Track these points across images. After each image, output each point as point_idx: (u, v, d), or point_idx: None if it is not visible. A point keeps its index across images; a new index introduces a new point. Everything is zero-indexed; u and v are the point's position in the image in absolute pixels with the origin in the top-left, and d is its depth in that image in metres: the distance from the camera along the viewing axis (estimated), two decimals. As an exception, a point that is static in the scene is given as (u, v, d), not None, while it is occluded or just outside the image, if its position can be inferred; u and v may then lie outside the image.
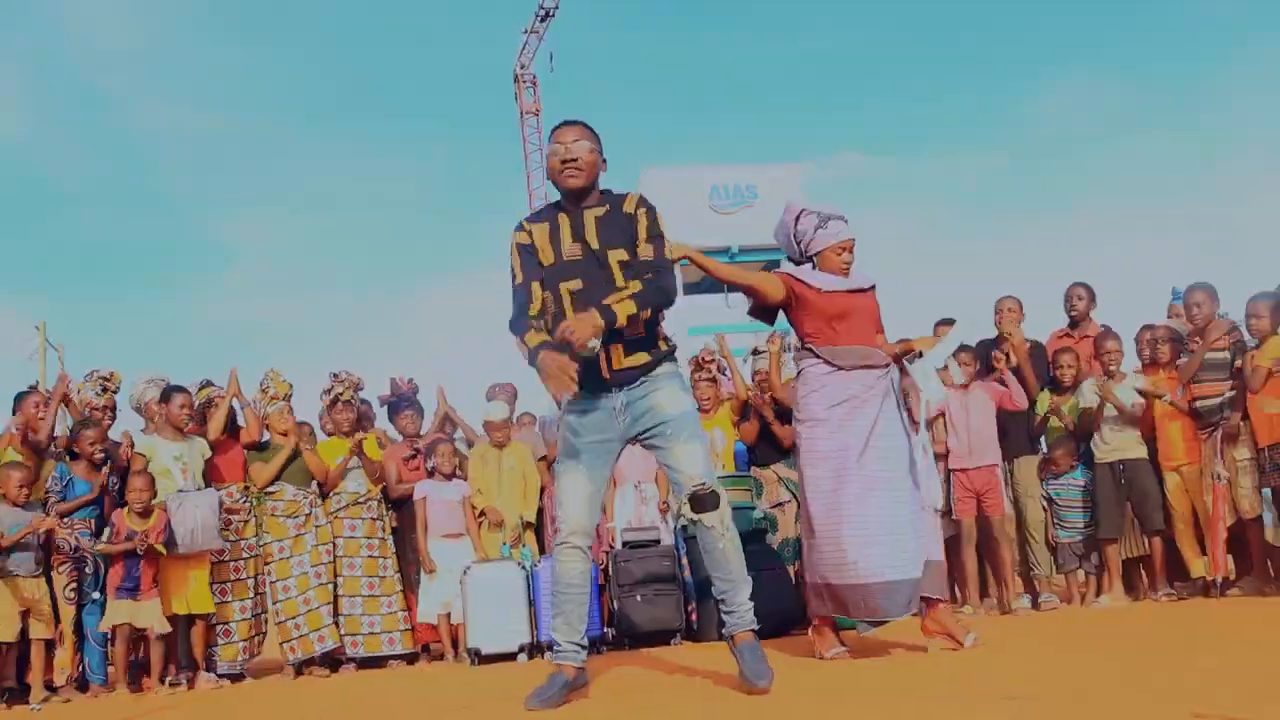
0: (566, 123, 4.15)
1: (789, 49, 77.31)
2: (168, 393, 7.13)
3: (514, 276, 4.12)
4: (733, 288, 5.16)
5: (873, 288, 5.06)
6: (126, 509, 6.63)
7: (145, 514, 6.59)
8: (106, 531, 6.56)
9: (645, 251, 4.05)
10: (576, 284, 4.02)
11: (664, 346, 4.12)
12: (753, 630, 4.03)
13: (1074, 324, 7.77)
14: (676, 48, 78.58)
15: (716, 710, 3.61)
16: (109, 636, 6.52)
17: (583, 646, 4.09)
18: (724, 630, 4.11)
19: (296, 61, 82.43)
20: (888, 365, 4.93)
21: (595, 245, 4.04)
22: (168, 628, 6.60)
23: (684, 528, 7.27)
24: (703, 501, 3.97)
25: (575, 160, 4.03)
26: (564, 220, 4.11)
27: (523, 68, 42.00)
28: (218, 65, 75.56)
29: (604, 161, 4.16)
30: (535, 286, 4.07)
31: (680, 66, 76.72)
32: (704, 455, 4.03)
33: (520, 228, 4.15)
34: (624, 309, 3.86)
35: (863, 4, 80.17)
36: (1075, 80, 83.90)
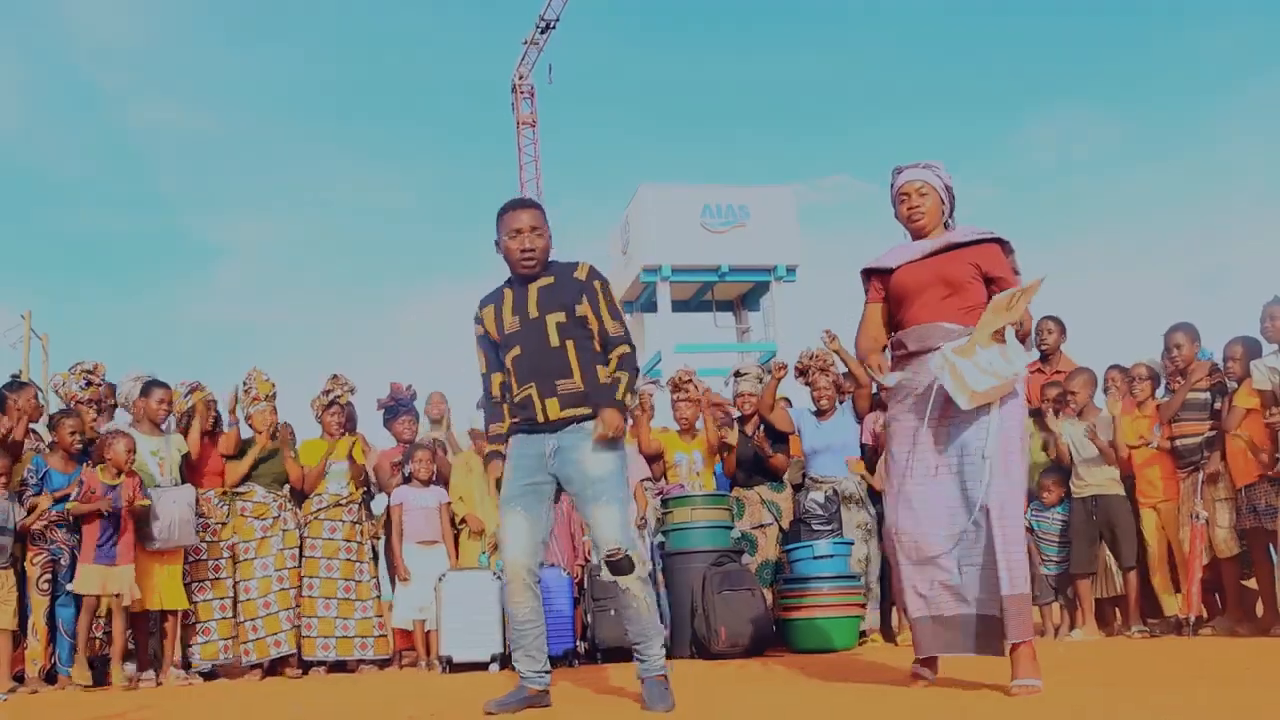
0: (522, 205, 4.38)
1: (784, 71, 77.65)
2: (147, 387, 7.12)
3: (479, 364, 4.49)
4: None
5: (960, 246, 4.14)
6: (100, 466, 6.57)
7: (118, 475, 6.55)
8: (76, 489, 6.51)
9: (613, 328, 4.31)
10: (516, 351, 4.29)
11: (607, 385, 4.26)
12: (659, 674, 4.17)
13: (1045, 357, 7.81)
14: (674, 66, 79.12)
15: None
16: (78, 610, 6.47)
17: (546, 672, 4.32)
18: (638, 673, 4.23)
19: (294, 64, 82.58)
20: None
21: (534, 314, 4.28)
22: (137, 594, 6.55)
23: (660, 544, 7.28)
24: (618, 566, 4.14)
25: (532, 251, 4.27)
26: (508, 296, 4.37)
27: (521, 78, 42.08)
28: (215, 65, 75.71)
29: (550, 242, 4.35)
30: (496, 378, 4.43)
31: (677, 84, 77.18)
32: (620, 519, 4.16)
33: (477, 319, 4.45)
34: (624, 393, 4.23)
35: (858, 31, 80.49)
36: (1065, 113, 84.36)
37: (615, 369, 4.26)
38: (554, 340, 4.23)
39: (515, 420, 4.32)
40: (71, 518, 6.52)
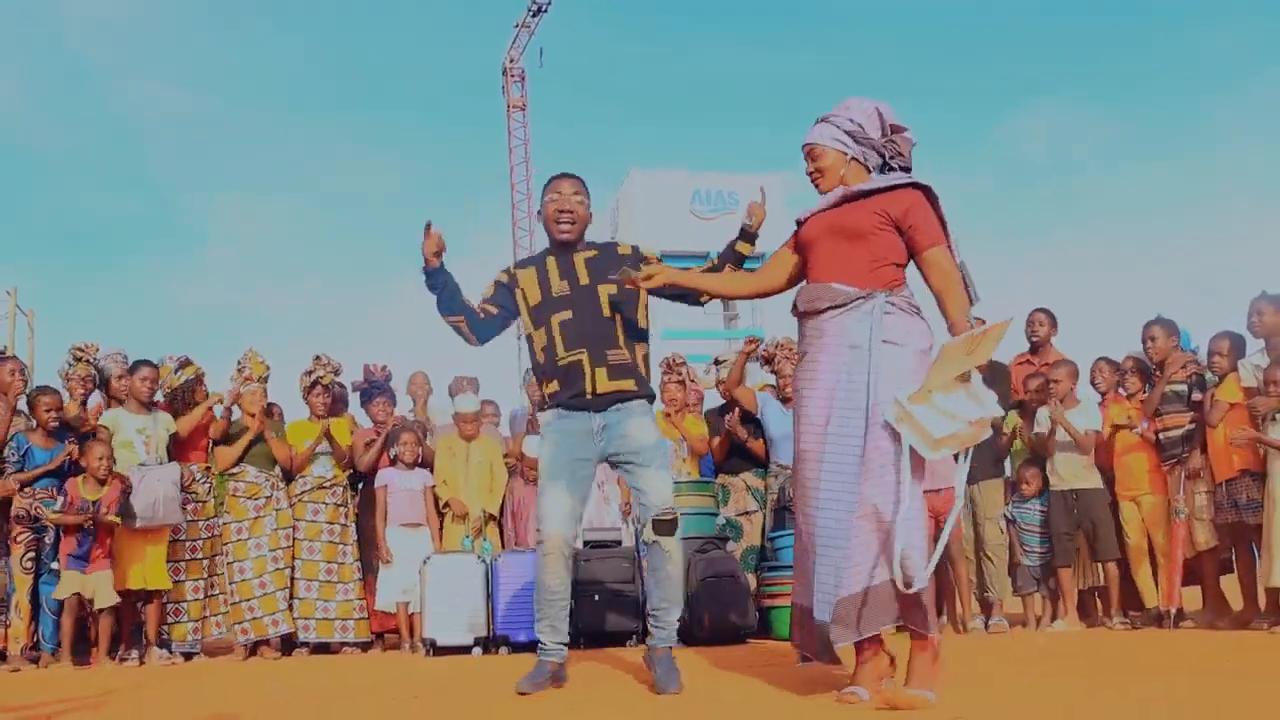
0: (565, 175, 4.55)
1: (777, 59, 77.48)
2: (135, 366, 7.10)
3: (485, 290, 4.57)
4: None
5: (865, 195, 3.77)
6: (81, 477, 6.59)
7: (101, 484, 6.57)
8: (60, 500, 6.52)
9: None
10: (566, 315, 4.40)
11: (647, 379, 4.50)
12: (670, 646, 4.37)
13: (1035, 349, 7.82)
14: (666, 51, 78.75)
15: (657, 707, 3.62)
16: (61, 606, 6.48)
17: (565, 644, 4.45)
18: (647, 640, 4.47)
19: (285, 45, 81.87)
20: (845, 304, 3.69)
21: (585, 280, 4.43)
22: (114, 599, 6.57)
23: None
24: (665, 526, 4.32)
25: (571, 213, 4.46)
26: (552, 263, 4.50)
27: (512, 61, 41.92)
28: (206, 45, 75.02)
29: (591, 215, 4.56)
30: (483, 301, 4.53)
31: (668, 70, 76.82)
32: (669, 484, 4.41)
33: (509, 272, 4.59)
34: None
35: (849, 20, 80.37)
36: (1058, 108, 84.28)
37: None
38: (606, 310, 4.41)
39: (556, 392, 4.42)
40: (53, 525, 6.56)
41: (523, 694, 4.20)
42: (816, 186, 3.90)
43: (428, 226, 4.28)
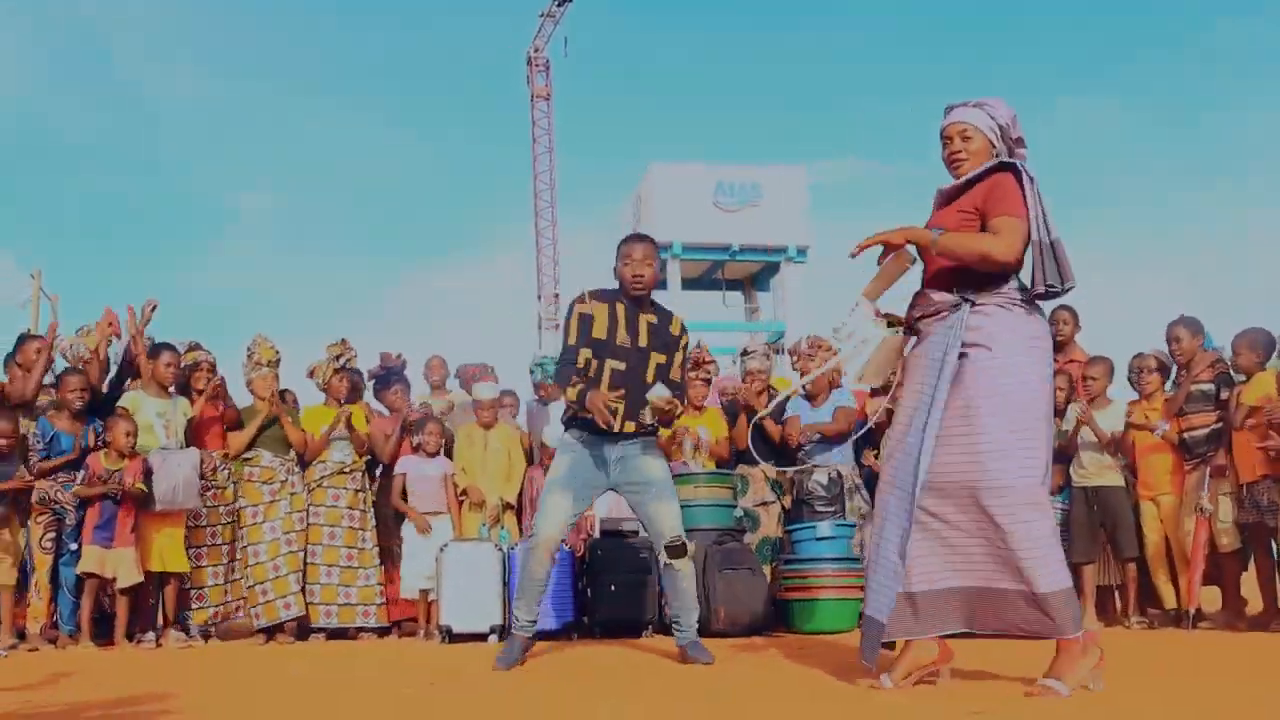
0: (638, 239, 5.17)
1: (800, 50, 77.28)
2: (156, 349, 7.13)
3: (568, 336, 5.08)
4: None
5: (966, 184, 3.72)
6: (104, 452, 6.62)
7: (123, 458, 6.60)
8: (81, 474, 6.55)
9: (677, 375, 5.14)
10: (621, 365, 5.01)
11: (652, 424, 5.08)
12: (695, 640, 5.08)
13: (1058, 348, 7.75)
14: (690, 42, 78.66)
15: (671, 696, 3.62)
16: (79, 586, 6.52)
17: (534, 622, 5.10)
18: (677, 640, 5.16)
19: (310, 31, 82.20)
20: (935, 314, 3.72)
21: (644, 343, 5.07)
22: (138, 577, 6.60)
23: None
24: (676, 551, 5.03)
25: (642, 277, 5.05)
26: (623, 313, 5.07)
27: (536, 51, 41.93)
28: (231, 30, 75.35)
29: (659, 276, 5.32)
30: (584, 352, 5.02)
31: (692, 60, 76.76)
32: (677, 514, 5.09)
33: (584, 299, 5.10)
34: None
35: (878, 11, 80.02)
36: (1084, 100, 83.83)
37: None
38: (650, 377, 5.01)
39: (587, 417, 4.86)
40: (78, 499, 6.58)
41: (500, 670, 4.79)
42: (955, 170, 3.78)
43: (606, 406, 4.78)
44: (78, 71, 75.93)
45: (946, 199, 3.79)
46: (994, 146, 3.75)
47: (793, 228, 35.21)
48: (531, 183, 41.63)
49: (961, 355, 3.57)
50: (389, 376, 8.14)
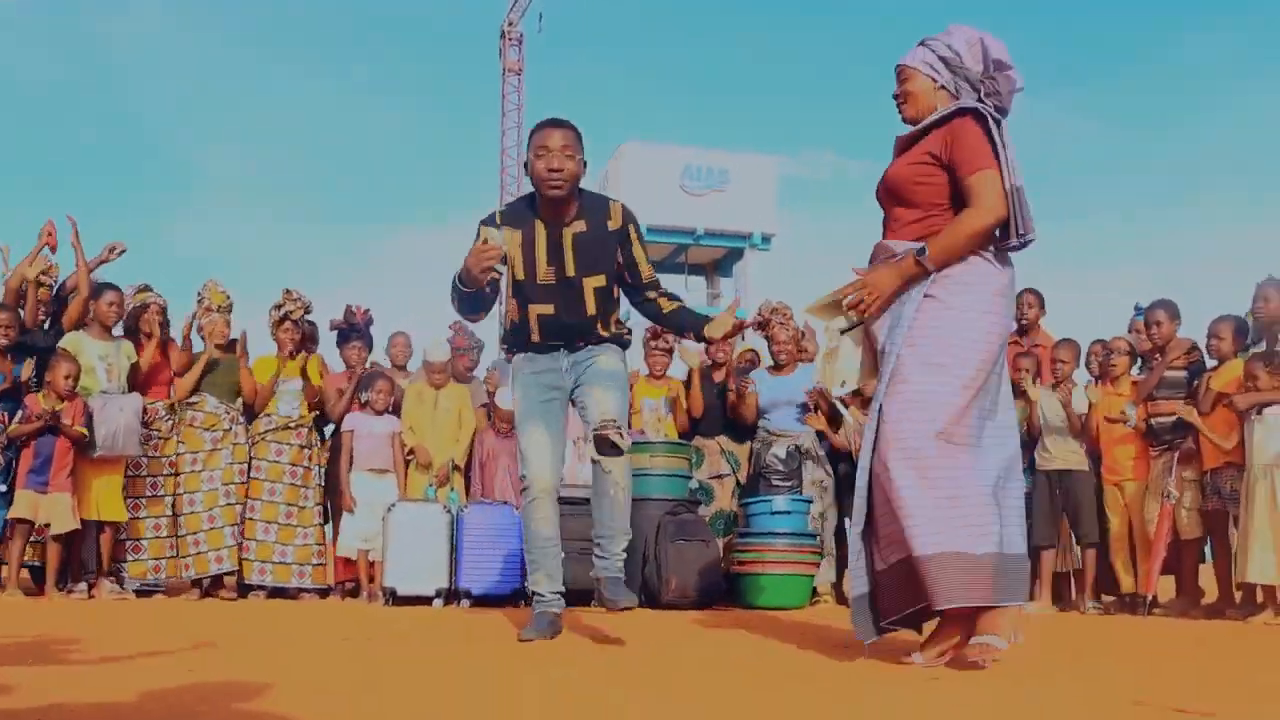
0: (554, 124, 4.08)
1: (780, 39, 77.20)
2: (100, 289, 6.87)
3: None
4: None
5: (924, 130, 3.50)
6: (42, 393, 6.39)
7: (62, 400, 6.37)
8: (19, 413, 6.32)
9: (648, 272, 4.26)
10: (548, 309, 4.14)
11: (618, 330, 4.30)
12: (620, 574, 4.21)
13: (1023, 331, 7.71)
14: (666, 21, 78.28)
15: (621, 664, 3.47)
16: (6, 532, 6.29)
17: (562, 594, 4.27)
18: (592, 572, 4.25)
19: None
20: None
21: (571, 271, 4.09)
22: (73, 524, 6.37)
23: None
24: (607, 443, 4.05)
25: (560, 171, 3.99)
26: (540, 234, 4.09)
27: (511, 24, 41.60)
28: (203, -13, 74.35)
29: (585, 164, 4.10)
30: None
31: (667, 41, 76.55)
32: (623, 403, 4.18)
33: (495, 224, 4.09)
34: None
35: (856, 10, 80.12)
36: (1056, 100, 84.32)
37: (671, 299, 4.31)
38: (590, 308, 4.15)
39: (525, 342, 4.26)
40: (8, 440, 6.33)
41: (526, 641, 4.03)
42: (900, 112, 3.57)
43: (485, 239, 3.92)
44: (40, 19, 74.52)
45: (905, 146, 3.56)
46: (936, 82, 3.49)
47: (759, 215, 35.28)
48: (499, 157, 41.33)
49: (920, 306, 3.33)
50: (350, 332, 7.90)
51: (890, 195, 3.53)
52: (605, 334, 4.24)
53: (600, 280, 4.13)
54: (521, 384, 4.27)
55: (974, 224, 3.29)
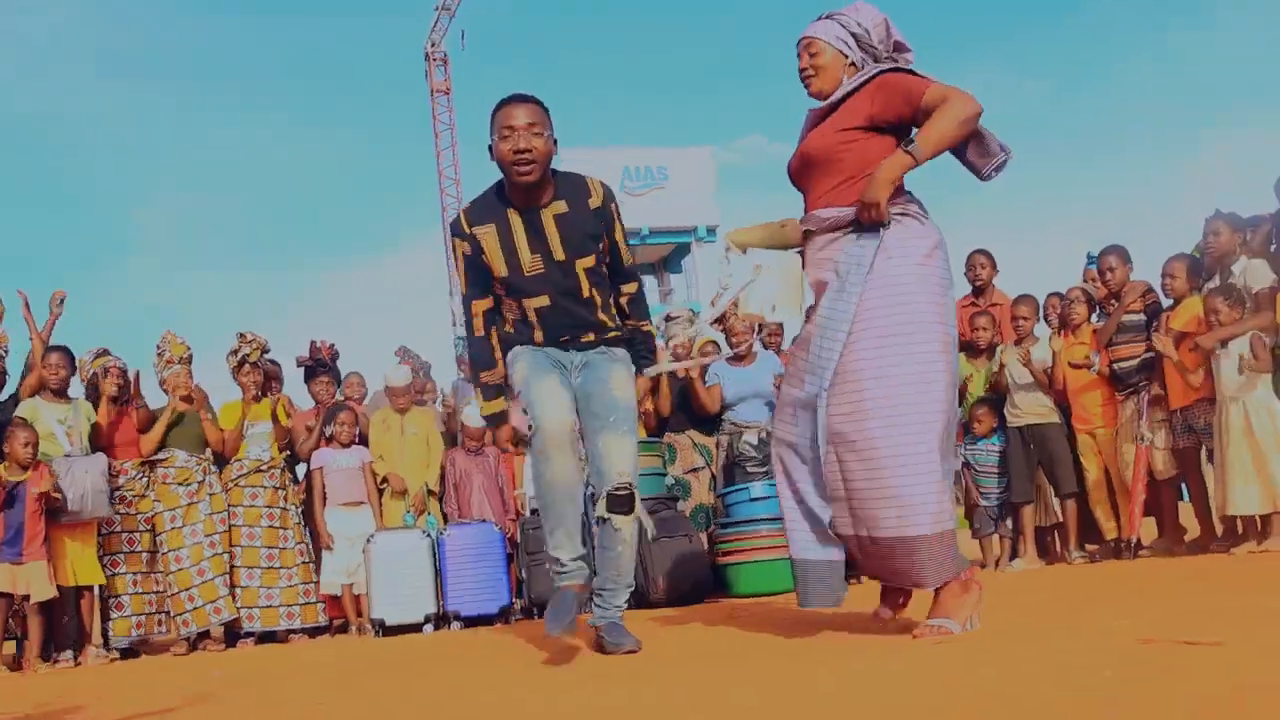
0: (516, 100, 3.68)
1: (697, 32, 77.39)
2: (47, 353, 6.75)
3: (460, 285, 3.87)
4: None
5: (841, 101, 3.48)
6: (3, 465, 6.27)
7: (24, 470, 6.24)
8: None
9: (628, 258, 3.97)
10: (543, 301, 3.80)
11: (620, 324, 4.02)
12: (616, 622, 3.90)
13: (978, 292, 7.75)
14: (589, 27, 78.31)
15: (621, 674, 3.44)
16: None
17: (584, 558, 3.85)
18: (590, 620, 3.97)
19: (201, 29, 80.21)
20: (840, 230, 3.41)
21: (561, 255, 3.75)
22: (51, 592, 6.24)
23: (590, 494, 7.11)
24: (620, 502, 3.73)
25: (528, 152, 3.60)
26: (516, 222, 3.74)
27: (433, 45, 41.38)
28: (115, 31, 73.52)
29: (555, 142, 3.71)
30: (480, 304, 3.89)
31: (593, 46, 76.54)
32: (633, 454, 3.81)
33: (462, 231, 3.77)
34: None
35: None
36: (995, 65, 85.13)
37: (638, 317, 4.11)
38: (586, 291, 3.82)
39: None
40: None
41: (551, 635, 3.72)
42: (807, 86, 3.54)
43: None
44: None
45: (819, 119, 3.53)
46: (847, 56, 3.49)
47: (700, 208, 35.40)
48: (437, 179, 41.13)
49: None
50: (316, 368, 7.83)
51: (812, 167, 3.48)
52: (610, 324, 3.94)
53: (590, 261, 3.79)
54: (527, 356, 3.85)
55: (961, 109, 3.26)
